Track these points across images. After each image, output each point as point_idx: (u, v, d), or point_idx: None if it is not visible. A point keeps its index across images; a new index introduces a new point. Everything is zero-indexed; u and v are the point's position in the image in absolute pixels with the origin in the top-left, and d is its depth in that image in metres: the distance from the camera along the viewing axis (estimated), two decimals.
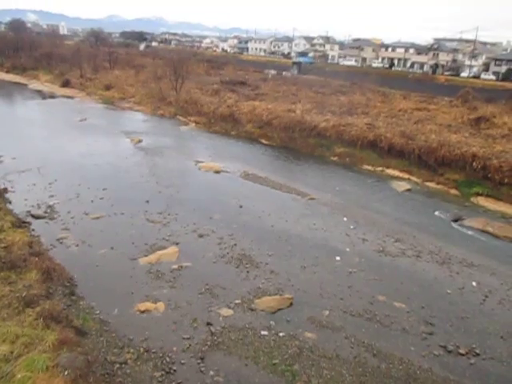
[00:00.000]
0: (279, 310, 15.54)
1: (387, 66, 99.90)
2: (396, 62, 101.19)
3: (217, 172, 31.72)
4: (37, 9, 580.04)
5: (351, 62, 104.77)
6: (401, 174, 33.46)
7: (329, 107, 47.74)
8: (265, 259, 19.14)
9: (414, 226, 24.21)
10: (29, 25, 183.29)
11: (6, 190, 24.12)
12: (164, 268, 17.77)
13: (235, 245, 20.26)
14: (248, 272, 17.95)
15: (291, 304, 15.91)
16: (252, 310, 15.43)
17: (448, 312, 16.19)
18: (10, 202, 22.67)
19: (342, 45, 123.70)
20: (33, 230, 19.98)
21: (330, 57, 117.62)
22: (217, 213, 23.90)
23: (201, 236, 20.96)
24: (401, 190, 30.49)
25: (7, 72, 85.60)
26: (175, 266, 17.94)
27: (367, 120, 41.86)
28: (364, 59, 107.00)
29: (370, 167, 35.19)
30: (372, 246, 21.38)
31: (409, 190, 30.57)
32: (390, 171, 34.16)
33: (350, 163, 36.17)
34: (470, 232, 24.09)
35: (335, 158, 37.35)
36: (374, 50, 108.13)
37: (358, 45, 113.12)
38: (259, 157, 37.54)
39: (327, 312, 15.62)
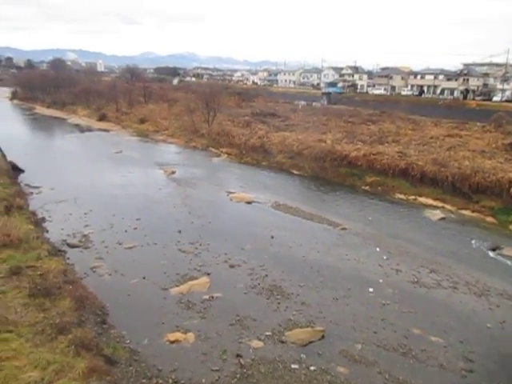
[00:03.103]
0: (310, 342, 15.20)
1: (417, 93, 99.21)
2: (426, 89, 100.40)
3: (248, 203, 31.88)
4: (76, 48, 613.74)
5: (380, 91, 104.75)
6: (434, 203, 32.71)
7: (359, 136, 47.70)
8: (296, 290, 18.90)
9: (450, 256, 23.46)
10: (69, 63, 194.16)
11: (43, 220, 25.04)
12: (195, 298, 17.78)
13: (266, 275, 20.13)
14: (279, 303, 17.74)
15: (323, 337, 15.55)
16: (282, 342, 15.16)
17: (489, 348, 15.42)
18: (48, 231, 23.41)
19: (370, 74, 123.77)
20: (68, 258, 20.51)
21: (358, 86, 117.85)
22: (248, 243, 23.90)
23: (232, 266, 20.96)
24: (435, 218, 29.76)
25: (48, 107, 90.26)
26: (206, 297, 17.93)
27: (398, 148, 41.51)
28: (393, 87, 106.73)
29: (402, 196, 34.62)
30: (406, 276, 20.80)
31: (443, 218, 29.79)
32: (422, 200, 33.46)
33: (381, 192, 35.71)
34: (509, 262, 23.12)
35: (366, 187, 36.97)
36: (402, 78, 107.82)
37: (387, 73, 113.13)
38: (290, 187, 37.59)
39: (360, 346, 15.17)
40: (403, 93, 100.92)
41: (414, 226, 28.38)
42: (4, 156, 37.01)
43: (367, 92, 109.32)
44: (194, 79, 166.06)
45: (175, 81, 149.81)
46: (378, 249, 24.16)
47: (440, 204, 32.40)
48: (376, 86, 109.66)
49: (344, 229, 27.05)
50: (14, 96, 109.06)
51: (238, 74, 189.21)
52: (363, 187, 37.18)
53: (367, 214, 30.33)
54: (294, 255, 22.78)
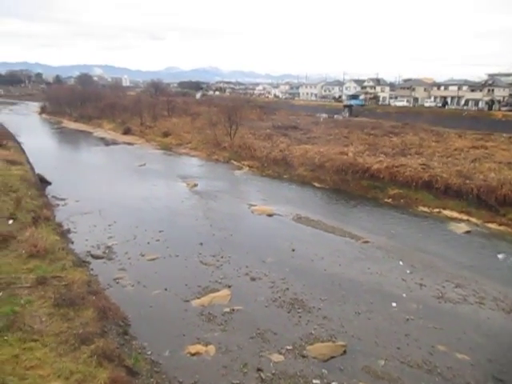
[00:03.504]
0: (332, 357, 14.99)
1: (440, 104, 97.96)
2: (449, 100, 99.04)
3: (269, 215, 31.86)
4: (102, 64, 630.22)
5: (403, 103, 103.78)
6: (459, 216, 32.04)
7: (381, 148, 47.35)
8: (317, 304, 18.71)
9: (476, 271, 22.87)
10: (95, 78, 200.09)
11: (69, 231, 25.51)
12: (216, 311, 17.80)
13: (287, 289, 20.01)
14: (300, 317, 17.59)
15: (345, 352, 15.31)
16: (304, 356, 14.99)
17: None
18: (73, 242, 23.81)
19: (392, 86, 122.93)
20: (92, 269, 20.81)
21: (381, 98, 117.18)
22: (269, 256, 23.83)
23: (253, 279, 20.92)
24: (460, 231, 29.13)
25: (75, 121, 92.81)
26: (227, 309, 17.92)
27: (421, 160, 41.00)
28: (416, 99, 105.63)
29: (425, 209, 34.03)
30: (430, 291, 20.36)
31: (468, 231, 29.13)
32: (447, 212, 32.83)
33: (404, 205, 35.20)
34: None
35: (389, 200, 36.52)
36: (425, 90, 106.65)
37: (409, 85, 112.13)
38: (311, 200, 37.44)
39: (383, 362, 14.87)
40: (426, 104, 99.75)
41: (439, 240, 27.81)
42: (32, 168, 38.01)
43: (389, 104, 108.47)
44: (216, 93, 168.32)
45: (198, 95, 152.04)
46: (401, 262, 23.76)
47: (465, 217, 31.72)
48: (398, 98, 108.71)
49: (366, 242, 26.73)
50: (42, 110, 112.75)
51: (260, 87, 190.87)
52: (386, 200, 36.73)
53: (390, 227, 29.91)
54: (316, 268, 22.60)
